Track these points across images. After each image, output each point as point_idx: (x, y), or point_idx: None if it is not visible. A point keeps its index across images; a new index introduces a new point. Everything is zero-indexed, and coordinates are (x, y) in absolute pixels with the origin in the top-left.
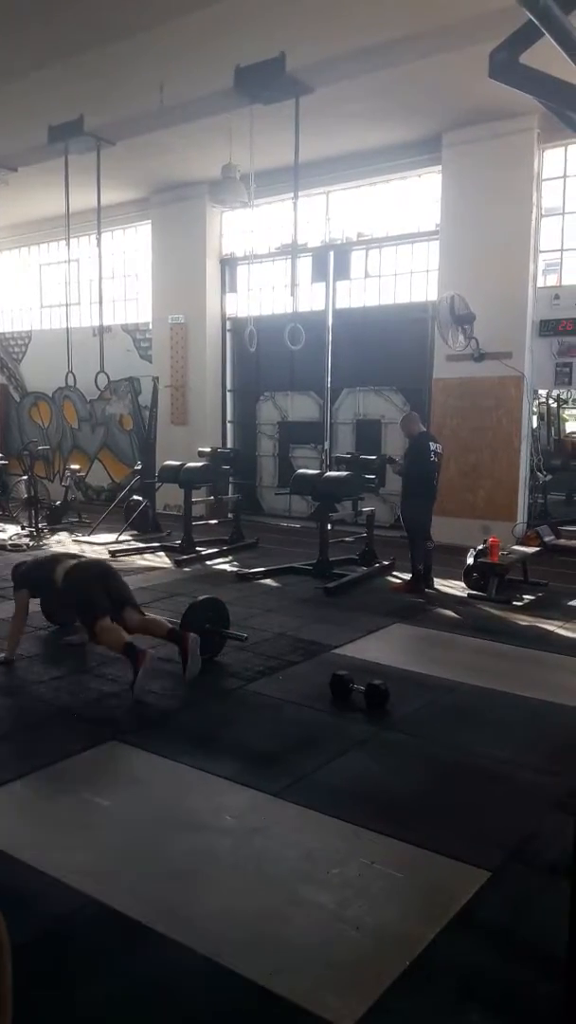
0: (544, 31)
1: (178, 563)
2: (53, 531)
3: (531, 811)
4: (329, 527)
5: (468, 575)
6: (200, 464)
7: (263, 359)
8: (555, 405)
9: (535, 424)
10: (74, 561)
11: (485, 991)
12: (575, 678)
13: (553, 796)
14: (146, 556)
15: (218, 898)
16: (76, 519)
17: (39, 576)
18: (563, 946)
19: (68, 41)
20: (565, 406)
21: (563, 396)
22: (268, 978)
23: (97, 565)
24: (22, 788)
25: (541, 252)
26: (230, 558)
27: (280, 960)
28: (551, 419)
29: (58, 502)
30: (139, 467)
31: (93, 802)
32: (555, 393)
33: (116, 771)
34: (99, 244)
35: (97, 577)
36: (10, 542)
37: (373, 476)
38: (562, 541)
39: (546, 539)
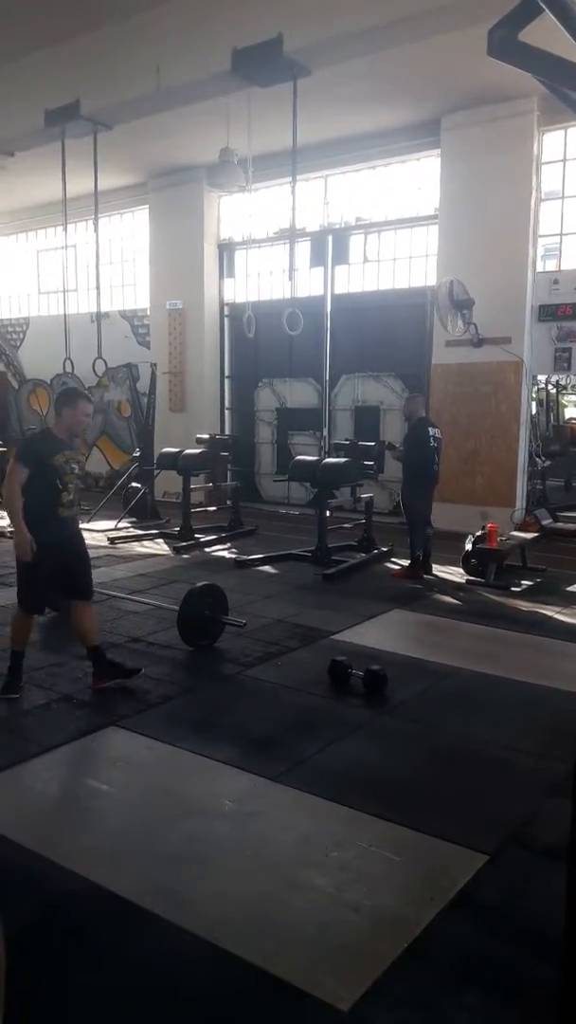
0: (543, 7)
1: (177, 550)
2: None
3: (529, 795)
4: (328, 514)
5: (467, 561)
6: (198, 451)
7: (261, 345)
8: (554, 391)
9: (534, 410)
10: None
11: (483, 973)
12: (573, 663)
13: (551, 780)
14: (145, 543)
15: (217, 882)
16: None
17: None
18: (560, 929)
19: (63, 24)
20: (564, 392)
21: (562, 382)
22: (267, 961)
23: None
24: (22, 773)
25: (540, 237)
26: (228, 545)
27: (279, 943)
28: (550, 405)
29: None
30: (137, 454)
31: (92, 787)
32: (554, 379)
33: (115, 756)
34: (96, 229)
35: None
36: (9, 529)
37: (372, 462)
38: (559, 525)
39: (544, 523)
